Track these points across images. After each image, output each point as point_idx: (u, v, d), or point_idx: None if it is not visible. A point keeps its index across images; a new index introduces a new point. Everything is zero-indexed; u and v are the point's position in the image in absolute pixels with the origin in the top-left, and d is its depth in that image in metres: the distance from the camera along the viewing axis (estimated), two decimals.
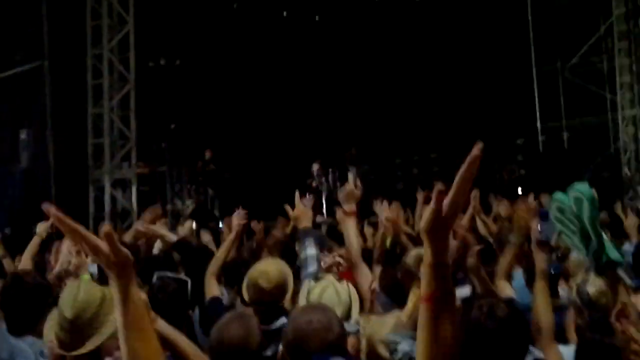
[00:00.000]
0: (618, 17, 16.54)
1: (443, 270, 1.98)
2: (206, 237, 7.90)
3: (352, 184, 4.87)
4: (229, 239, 5.27)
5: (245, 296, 4.17)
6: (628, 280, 4.53)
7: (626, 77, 16.47)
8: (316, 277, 4.07)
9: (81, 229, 1.98)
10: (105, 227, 1.97)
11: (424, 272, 2.00)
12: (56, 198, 13.31)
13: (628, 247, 6.45)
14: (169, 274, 4.40)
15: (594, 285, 3.93)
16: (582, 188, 3.85)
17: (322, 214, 15.62)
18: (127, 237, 7.28)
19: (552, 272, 4.18)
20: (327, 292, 3.62)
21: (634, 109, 16.30)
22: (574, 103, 17.82)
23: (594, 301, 3.87)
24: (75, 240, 2.02)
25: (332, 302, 3.47)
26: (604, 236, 3.96)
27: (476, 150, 1.91)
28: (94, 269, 4.49)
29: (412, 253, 4.56)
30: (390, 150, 19.20)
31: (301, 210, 4.81)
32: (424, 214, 1.97)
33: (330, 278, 3.84)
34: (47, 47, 14.37)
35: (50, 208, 1.94)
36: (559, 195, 3.95)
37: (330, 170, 16.86)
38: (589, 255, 3.94)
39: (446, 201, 1.92)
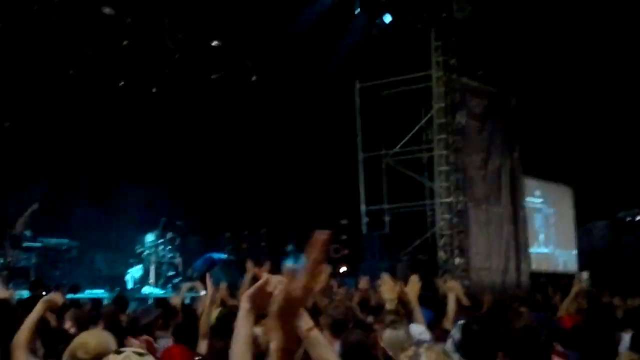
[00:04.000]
0: (438, 110, 17.35)
1: (289, 357, 2.01)
2: None
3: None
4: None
5: None
6: None
7: (443, 166, 17.24)
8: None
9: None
10: None
11: (273, 356, 2.03)
12: None
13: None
14: None
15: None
16: None
17: None
18: None
19: None
20: None
21: (449, 197, 17.16)
22: (396, 189, 18.76)
23: None
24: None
25: None
26: None
27: (324, 234, 1.99)
28: None
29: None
30: (220, 223, 19.37)
31: None
32: (275, 297, 1.97)
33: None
34: None
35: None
36: None
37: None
38: None
39: (298, 284, 1.95)
